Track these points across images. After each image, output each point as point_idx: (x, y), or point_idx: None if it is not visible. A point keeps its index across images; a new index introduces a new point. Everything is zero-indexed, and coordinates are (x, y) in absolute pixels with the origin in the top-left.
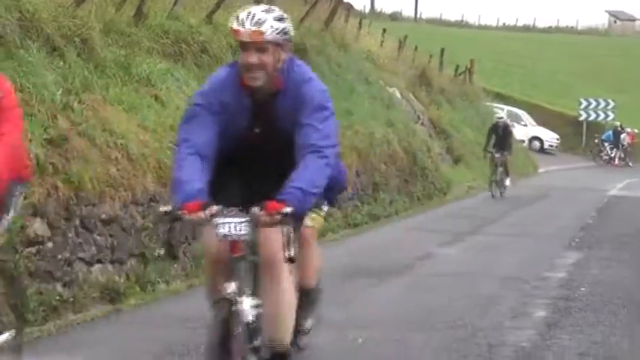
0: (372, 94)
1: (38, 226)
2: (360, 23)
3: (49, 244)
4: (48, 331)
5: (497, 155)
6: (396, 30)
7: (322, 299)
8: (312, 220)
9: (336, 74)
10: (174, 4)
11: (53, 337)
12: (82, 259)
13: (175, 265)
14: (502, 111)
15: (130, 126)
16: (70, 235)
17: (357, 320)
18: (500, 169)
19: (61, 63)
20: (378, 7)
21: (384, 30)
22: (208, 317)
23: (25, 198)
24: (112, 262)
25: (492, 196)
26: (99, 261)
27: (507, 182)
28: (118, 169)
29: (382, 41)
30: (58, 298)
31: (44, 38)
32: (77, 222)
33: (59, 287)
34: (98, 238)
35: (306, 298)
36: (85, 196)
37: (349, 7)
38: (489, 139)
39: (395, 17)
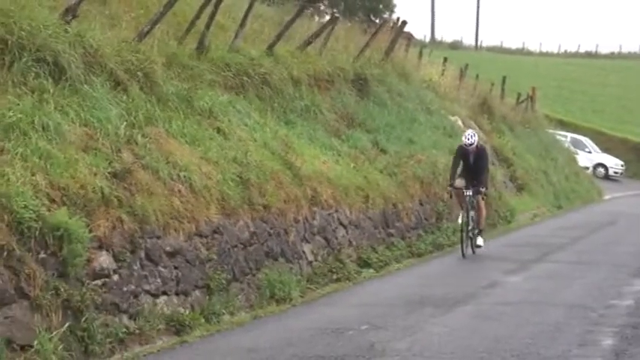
0: (433, 123)
1: (104, 259)
2: (421, 52)
3: (115, 277)
4: None
5: (467, 193)
6: (456, 58)
7: (386, 328)
8: None
9: (397, 104)
10: (235, 37)
11: None
12: (147, 291)
13: (240, 296)
14: (566, 138)
15: (193, 158)
16: (135, 267)
17: (422, 350)
18: (472, 213)
19: (125, 97)
20: (438, 36)
21: (445, 59)
22: (273, 348)
23: (90, 231)
24: (177, 293)
25: (463, 255)
26: (164, 293)
27: (480, 241)
28: (181, 202)
29: (443, 70)
30: (124, 330)
31: (108, 73)
32: (142, 254)
33: (125, 319)
34: (163, 270)
35: None
36: (150, 229)
37: (409, 36)
38: (455, 168)
39: (455, 46)
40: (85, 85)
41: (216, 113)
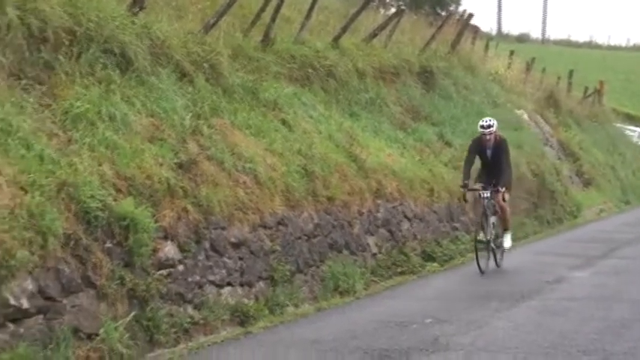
0: (499, 116)
1: (169, 249)
2: (487, 45)
3: (180, 267)
4: (179, 352)
5: (484, 195)
6: (523, 52)
7: (451, 322)
8: None
9: (463, 97)
10: (301, 29)
11: (184, 358)
12: (212, 282)
13: (304, 288)
14: (635, 132)
15: (258, 150)
16: (200, 257)
17: (486, 344)
18: (493, 219)
19: (191, 88)
20: (505, 29)
21: (512, 52)
22: (337, 340)
23: (155, 222)
24: (242, 284)
25: (480, 271)
26: (229, 283)
27: (507, 243)
28: (246, 193)
29: (509, 63)
30: (189, 320)
31: (174, 64)
32: (207, 245)
33: (190, 309)
34: (227, 260)
35: None
36: (215, 220)
37: (476, 29)
38: (468, 166)
39: (522, 39)
40: (152, 76)
41: (282, 105)
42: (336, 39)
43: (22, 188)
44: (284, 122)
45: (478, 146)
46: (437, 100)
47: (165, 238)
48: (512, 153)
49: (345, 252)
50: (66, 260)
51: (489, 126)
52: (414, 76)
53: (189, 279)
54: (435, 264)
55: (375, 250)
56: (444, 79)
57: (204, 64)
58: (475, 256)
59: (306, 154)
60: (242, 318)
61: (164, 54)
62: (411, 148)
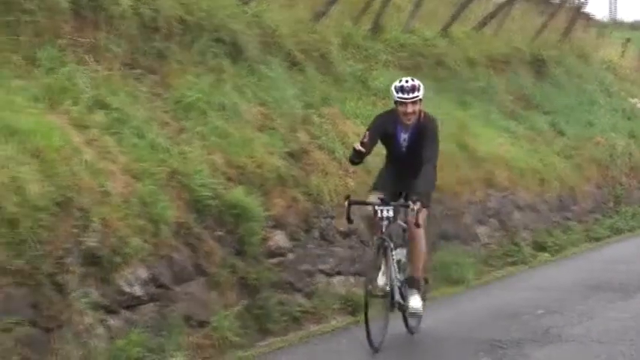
0: (612, 105)
1: (279, 238)
2: (600, 33)
3: (290, 256)
4: (290, 341)
5: (384, 214)
6: (638, 39)
7: (562, 313)
8: None
9: (576, 85)
10: (410, 17)
11: (295, 347)
12: (322, 271)
13: None
14: None
15: None
16: (310, 246)
17: (599, 336)
18: (399, 253)
19: (301, 77)
20: (618, 16)
21: (628, 39)
22: (448, 330)
23: (266, 210)
24: (352, 273)
25: (371, 345)
26: (339, 273)
27: (415, 302)
28: (356, 182)
29: (623, 51)
30: (299, 308)
31: (284, 53)
32: (317, 234)
33: (300, 298)
34: (337, 249)
35: None
36: (324, 209)
37: (588, 17)
38: (363, 150)
39: (636, 26)
40: (262, 66)
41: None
42: (446, 28)
43: (134, 176)
44: None
45: (387, 125)
46: (548, 89)
47: (276, 226)
48: (626, 142)
49: (456, 242)
50: (178, 248)
51: (413, 88)
52: (525, 65)
53: (300, 268)
54: (547, 254)
55: (485, 240)
56: (556, 67)
57: (314, 53)
58: (364, 320)
59: None
60: (353, 307)
61: (274, 43)
62: (522, 137)
